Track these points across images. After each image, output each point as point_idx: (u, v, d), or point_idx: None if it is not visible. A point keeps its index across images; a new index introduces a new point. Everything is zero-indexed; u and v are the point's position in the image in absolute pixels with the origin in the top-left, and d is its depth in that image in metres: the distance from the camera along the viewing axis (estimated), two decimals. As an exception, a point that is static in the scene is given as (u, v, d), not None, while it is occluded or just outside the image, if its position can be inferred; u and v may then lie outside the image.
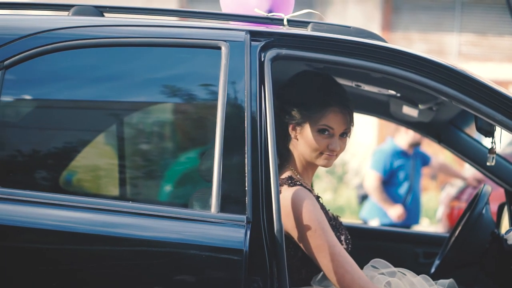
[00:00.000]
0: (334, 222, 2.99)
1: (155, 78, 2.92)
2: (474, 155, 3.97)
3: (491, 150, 3.17)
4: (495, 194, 5.12)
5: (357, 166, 14.85)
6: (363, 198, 7.94)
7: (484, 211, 3.56)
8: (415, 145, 7.32)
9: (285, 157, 3.02)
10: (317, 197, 3.01)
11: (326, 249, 2.80)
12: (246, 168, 2.66)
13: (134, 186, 3.49)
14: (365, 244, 4.06)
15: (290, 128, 2.97)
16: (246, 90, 2.73)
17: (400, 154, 7.33)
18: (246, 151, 2.68)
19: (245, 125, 2.70)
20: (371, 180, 7.32)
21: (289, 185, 2.89)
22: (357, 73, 3.15)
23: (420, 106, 3.50)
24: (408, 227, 7.42)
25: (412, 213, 7.41)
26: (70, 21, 2.86)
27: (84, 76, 2.89)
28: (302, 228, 2.81)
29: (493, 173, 3.88)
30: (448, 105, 3.59)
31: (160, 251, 2.61)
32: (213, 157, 2.68)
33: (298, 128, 2.96)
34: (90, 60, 2.85)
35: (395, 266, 3.09)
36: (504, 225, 4.04)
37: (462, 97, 2.77)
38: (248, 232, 2.60)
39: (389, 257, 3.23)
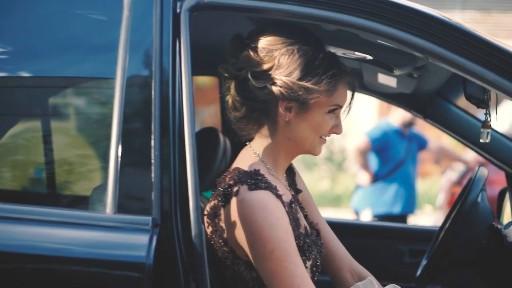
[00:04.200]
0: (302, 241, 2.26)
1: (30, 34, 2.23)
2: (467, 132, 3.31)
3: (485, 124, 2.63)
4: (497, 178, 4.45)
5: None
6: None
7: (479, 199, 2.94)
8: (410, 123, 6.87)
9: (257, 143, 2.32)
10: (291, 202, 2.30)
11: (283, 278, 2.13)
12: (152, 154, 2.04)
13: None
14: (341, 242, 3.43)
15: (281, 107, 2.24)
16: (155, 52, 2.14)
17: (395, 133, 6.90)
18: (153, 132, 2.07)
19: (152, 97, 2.10)
20: (359, 142, 6.96)
21: (250, 187, 2.17)
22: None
23: (396, 72, 2.84)
24: (404, 217, 7.01)
25: (407, 201, 6.97)
26: None
27: None
28: (256, 245, 2.14)
29: (490, 153, 3.25)
30: (432, 71, 2.93)
31: (30, 268, 1.97)
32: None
33: (296, 107, 2.24)
34: None
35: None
36: (507, 215, 3.40)
37: (440, 51, 2.13)
38: (154, 239, 1.99)
39: (368, 257, 2.86)
